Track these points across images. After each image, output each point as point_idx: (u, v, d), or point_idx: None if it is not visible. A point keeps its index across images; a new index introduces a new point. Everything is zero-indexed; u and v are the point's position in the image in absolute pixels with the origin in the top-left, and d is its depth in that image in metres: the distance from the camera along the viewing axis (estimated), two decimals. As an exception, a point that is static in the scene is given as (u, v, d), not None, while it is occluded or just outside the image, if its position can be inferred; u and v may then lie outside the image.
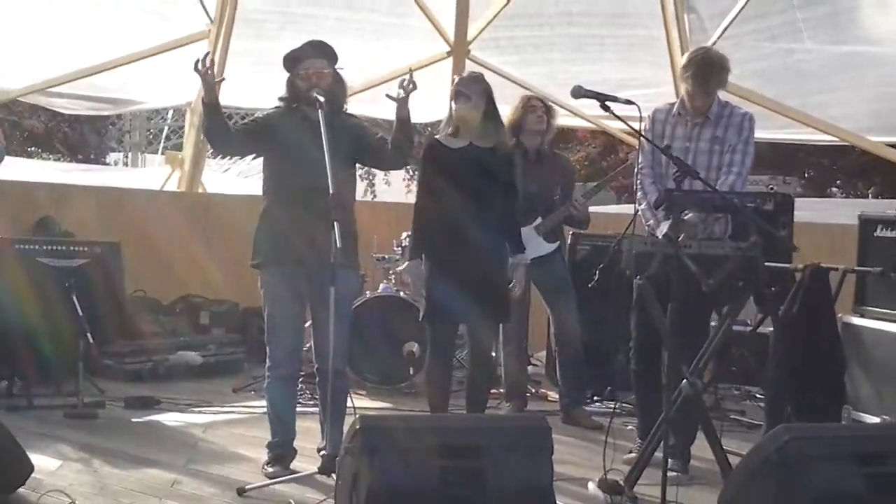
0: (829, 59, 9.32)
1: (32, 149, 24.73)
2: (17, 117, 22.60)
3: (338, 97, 5.20)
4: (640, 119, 4.69)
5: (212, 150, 6.02)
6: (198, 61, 4.81)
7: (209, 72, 4.84)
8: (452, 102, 5.58)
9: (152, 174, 12.19)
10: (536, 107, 6.73)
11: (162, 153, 23.12)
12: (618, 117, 4.73)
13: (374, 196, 16.92)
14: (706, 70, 5.34)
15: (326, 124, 4.83)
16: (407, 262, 5.89)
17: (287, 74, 5.27)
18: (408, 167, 26.38)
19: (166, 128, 26.17)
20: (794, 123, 9.63)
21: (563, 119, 9.72)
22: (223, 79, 5.06)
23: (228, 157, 19.03)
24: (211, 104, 4.98)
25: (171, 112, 23.20)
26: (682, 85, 5.49)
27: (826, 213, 11.69)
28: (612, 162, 21.71)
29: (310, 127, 4.99)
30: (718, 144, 5.42)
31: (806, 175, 23.68)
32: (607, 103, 4.68)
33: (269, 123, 5.24)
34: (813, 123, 9.49)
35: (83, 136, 25.06)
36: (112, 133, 26.14)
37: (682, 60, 5.57)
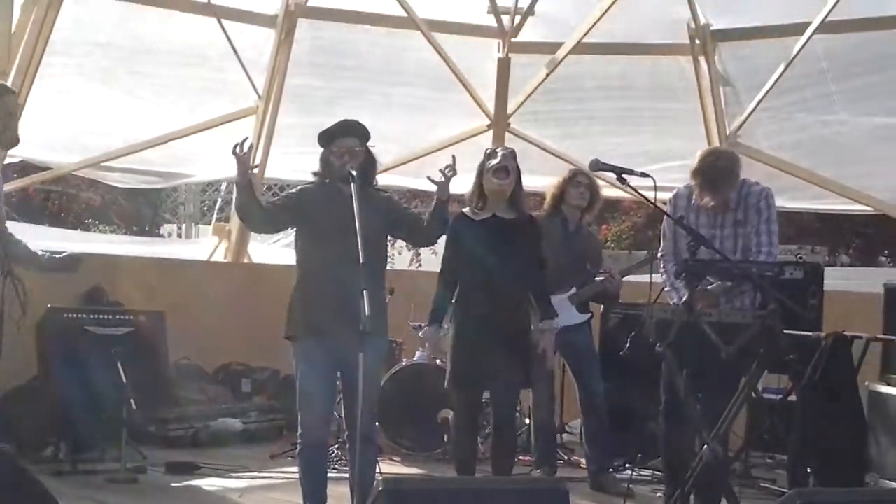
0: (864, 131, 9.39)
1: (89, 221, 25.26)
2: (76, 190, 23.11)
3: (369, 173, 5.41)
4: (655, 188, 4.83)
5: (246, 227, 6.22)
6: (236, 145, 5.05)
7: (245, 155, 5.09)
8: (493, 177, 5.75)
9: (203, 245, 12.44)
10: (580, 182, 6.92)
11: (215, 224, 23.54)
12: (634, 189, 4.91)
13: (420, 265, 17.08)
14: (714, 179, 5.48)
15: (358, 197, 5.04)
16: (425, 328, 6.04)
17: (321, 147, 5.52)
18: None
19: (219, 199, 26.60)
20: (829, 193, 9.69)
21: (607, 190, 9.94)
22: (257, 165, 5.26)
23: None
24: (244, 185, 5.23)
25: (224, 184, 23.60)
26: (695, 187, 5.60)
27: (872, 283, 11.67)
28: (657, 232, 21.72)
29: (342, 201, 5.18)
30: (741, 227, 5.55)
31: (853, 245, 23.59)
32: (623, 176, 4.85)
33: (302, 198, 5.46)
34: (848, 194, 9.53)
35: (138, 209, 25.56)
36: (167, 205, 26.66)
37: (694, 162, 5.61)
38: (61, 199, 23.69)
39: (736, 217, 5.55)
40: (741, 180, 5.59)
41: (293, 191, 5.63)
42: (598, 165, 4.94)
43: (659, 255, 5.84)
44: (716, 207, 5.54)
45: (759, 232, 5.51)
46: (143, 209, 25.82)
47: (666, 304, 5.41)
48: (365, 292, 4.74)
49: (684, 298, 5.02)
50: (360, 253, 4.82)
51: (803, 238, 17.00)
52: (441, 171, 5.26)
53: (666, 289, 5.65)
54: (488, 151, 5.94)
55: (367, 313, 4.71)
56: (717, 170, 5.48)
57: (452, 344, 5.77)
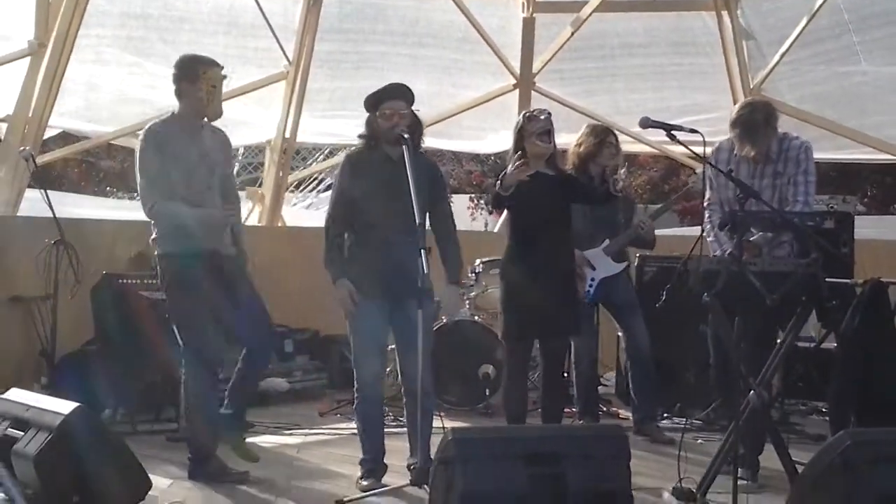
0: (886, 81, 9.51)
1: (109, 189, 25.41)
2: (94, 158, 23.22)
3: (415, 136, 5.55)
4: (704, 144, 5.00)
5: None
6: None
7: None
8: (538, 140, 5.93)
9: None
10: (612, 143, 7.07)
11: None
12: (683, 145, 5.06)
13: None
14: (752, 130, 5.70)
15: (411, 159, 5.21)
16: None
17: (367, 114, 5.64)
18: (472, 195, 26.83)
19: (237, 164, 26.73)
20: (852, 144, 9.82)
21: (626, 145, 10.09)
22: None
23: (300, 190, 19.51)
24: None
25: (241, 149, 23.71)
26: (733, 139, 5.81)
27: (889, 231, 11.84)
28: (674, 185, 21.90)
29: (391, 165, 5.40)
30: (780, 179, 5.76)
31: (869, 193, 23.74)
32: (673, 132, 5.01)
33: (352, 178, 5.59)
34: (871, 143, 9.67)
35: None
36: (184, 171, 26.78)
37: (732, 113, 5.85)
38: (80, 166, 23.83)
39: (776, 169, 5.75)
40: (783, 134, 5.81)
41: (338, 181, 5.70)
42: (648, 122, 5.08)
43: (705, 203, 6.01)
44: (757, 159, 5.73)
45: (796, 182, 5.72)
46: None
47: (708, 256, 5.58)
48: (423, 251, 4.94)
49: (728, 249, 5.19)
50: (416, 213, 5.01)
51: (820, 188, 17.13)
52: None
53: (709, 238, 5.85)
54: (527, 115, 6.08)
55: (425, 271, 4.90)
56: (753, 121, 5.70)
57: (504, 297, 5.97)
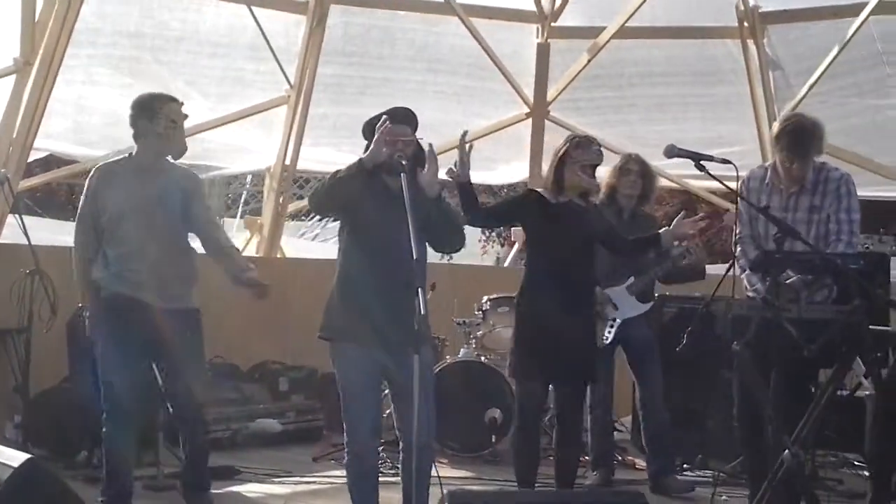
0: (922, 114, 9.10)
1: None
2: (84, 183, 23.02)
3: (417, 165, 5.06)
4: (738, 178, 4.57)
5: (310, 207, 5.86)
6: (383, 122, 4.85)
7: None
8: (580, 171, 5.48)
9: (232, 239, 12.22)
10: (631, 170, 6.69)
11: (241, 217, 23.27)
12: (713, 177, 4.62)
13: (451, 258, 16.77)
14: (802, 139, 5.22)
15: (410, 190, 4.69)
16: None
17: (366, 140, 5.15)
18: (485, 230, 26.38)
19: (245, 192, 26.39)
20: (885, 180, 9.36)
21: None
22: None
23: (309, 219, 19.11)
24: (369, 166, 4.87)
25: (249, 177, 23.39)
26: (777, 156, 5.35)
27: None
28: (693, 221, 21.37)
29: (388, 194, 4.90)
30: (816, 213, 5.31)
31: None
32: (702, 163, 4.56)
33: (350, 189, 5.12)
34: (905, 180, 9.23)
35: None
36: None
37: (774, 129, 5.42)
38: (68, 191, 23.55)
39: (812, 202, 5.30)
40: (821, 163, 5.35)
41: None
42: (673, 151, 4.66)
43: (736, 237, 5.54)
44: (791, 185, 5.30)
45: (839, 220, 5.28)
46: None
47: (740, 299, 5.09)
48: (420, 290, 4.42)
49: (762, 293, 4.72)
50: (414, 248, 4.49)
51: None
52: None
53: (744, 273, 5.45)
54: (576, 140, 5.64)
55: (422, 312, 4.38)
56: (802, 131, 5.24)
57: (516, 333, 5.57)
